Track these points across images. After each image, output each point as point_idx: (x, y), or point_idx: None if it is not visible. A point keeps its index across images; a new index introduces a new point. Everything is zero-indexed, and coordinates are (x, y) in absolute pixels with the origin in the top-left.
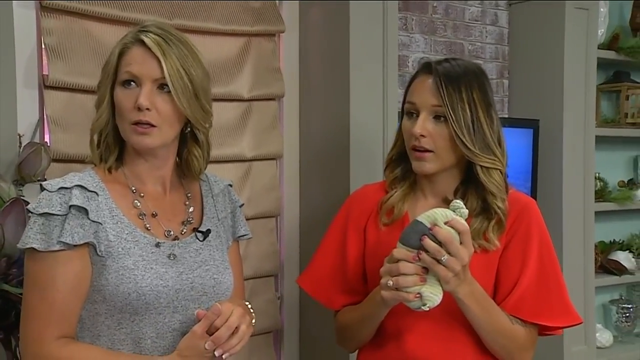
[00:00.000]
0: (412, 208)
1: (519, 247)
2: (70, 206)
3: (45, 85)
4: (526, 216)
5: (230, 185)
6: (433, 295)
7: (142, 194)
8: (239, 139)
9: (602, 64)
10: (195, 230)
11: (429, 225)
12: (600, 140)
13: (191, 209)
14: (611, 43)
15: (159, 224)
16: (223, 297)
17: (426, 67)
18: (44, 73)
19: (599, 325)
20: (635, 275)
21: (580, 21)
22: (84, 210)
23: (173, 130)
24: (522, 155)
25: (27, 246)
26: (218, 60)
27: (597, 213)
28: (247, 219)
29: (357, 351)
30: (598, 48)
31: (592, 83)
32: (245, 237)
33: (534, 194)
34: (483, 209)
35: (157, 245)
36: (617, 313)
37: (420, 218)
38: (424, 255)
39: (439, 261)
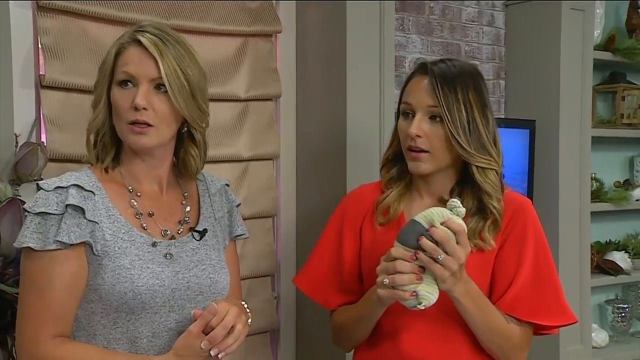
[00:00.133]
0: (408, 208)
1: (515, 247)
2: (67, 205)
3: (41, 85)
4: (522, 216)
5: (227, 185)
6: (429, 294)
7: (138, 194)
8: (235, 139)
9: (598, 65)
10: (192, 229)
11: (426, 226)
12: (596, 141)
13: (188, 209)
14: (607, 44)
15: (155, 224)
16: (219, 297)
17: (422, 68)
18: (40, 73)
19: (594, 325)
20: (630, 275)
21: (576, 22)
22: (80, 210)
23: (170, 130)
24: (519, 155)
25: (24, 245)
26: (215, 60)
27: (593, 213)
28: (243, 219)
29: (353, 351)
30: (594, 49)
31: (588, 84)
32: (242, 236)
33: (530, 194)
34: (479, 209)
35: (154, 244)
36: (613, 313)
37: (417, 218)
38: (421, 254)
39: (435, 260)
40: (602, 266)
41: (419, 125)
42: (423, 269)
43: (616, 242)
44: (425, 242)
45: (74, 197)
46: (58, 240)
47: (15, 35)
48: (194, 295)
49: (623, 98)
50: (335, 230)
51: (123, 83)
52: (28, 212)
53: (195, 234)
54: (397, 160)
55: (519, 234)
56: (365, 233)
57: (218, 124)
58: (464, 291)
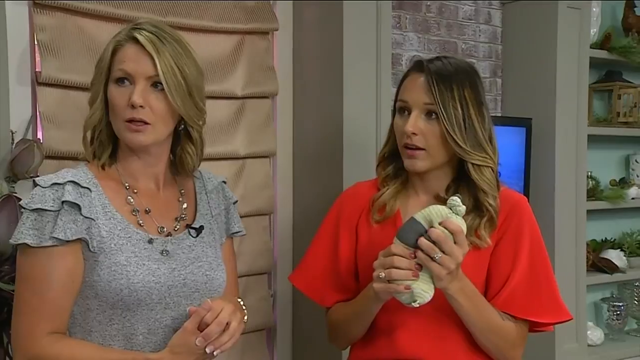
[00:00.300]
0: (404, 205)
1: (510, 244)
2: (63, 202)
3: (38, 82)
4: (517, 213)
5: (224, 182)
6: (424, 292)
7: (135, 191)
8: (232, 137)
9: (594, 64)
10: (189, 226)
11: (425, 225)
12: (593, 139)
13: (185, 206)
14: (603, 42)
15: (152, 221)
16: (215, 294)
17: (418, 65)
18: (36, 70)
19: (590, 323)
20: (626, 273)
21: (573, 21)
22: (76, 206)
23: (167, 128)
24: (515, 153)
25: (20, 242)
26: (212, 58)
27: (589, 211)
28: (240, 217)
29: (349, 348)
30: (590, 47)
31: (585, 82)
32: (239, 234)
33: (526, 192)
34: (475, 207)
35: (150, 241)
36: (608, 311)
37: (416, 216)
38: (419, 252)
39: (433, 259)
40: (597, 264)
41: (415, 123)
42: (420, 266)
43: (612, 240)
44: (423, 241)
45: (70, 194)
46: (54, 237)
47: (12, 32)
48: (190, 293)
49: (619, 96)
50: (331, 228)
51: (120, 81)
52: (24, 208)
53: (192, 231)
54: (393, 158)
55: (514, 232)
56: (361, 230)
57: (215, 122)
58: (459, 288)
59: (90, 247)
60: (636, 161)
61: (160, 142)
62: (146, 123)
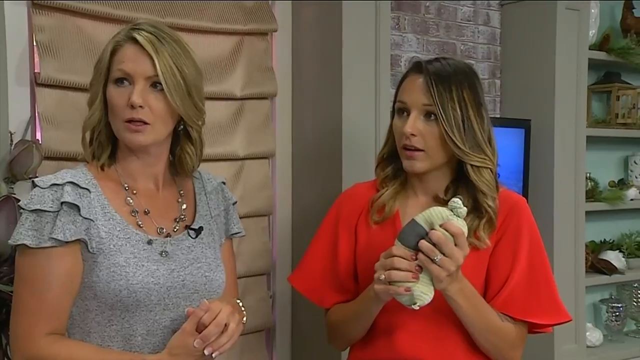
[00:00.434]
0: (403, 206)
1: (509, 245)
2: (62, 203)
3: (36, 82)
4: (516, 214)
5: (224, 183)
6: (424, 294)
7: (134, 191)
8: (231, 138)
9: (593, 65)
10: (188, 227)
11: (425, 227)
12: (591, 141)
13: (184, 206)
14: (602, 44)
15: (151, 221)
16: (215, 295)
17: (417, 66)
18: (35, 70)
19: (589, 324)
20: (625, 274)
21: (571, 22)
22: (75, 207)
23: (166, 128)
24: (514, 154)
25: (19, 242)
26: (211, 58)
27: (588, 213)
28: (239, 218)
29: (348, 349)
30: (589, 49)
31: (583, 83)
32: (238, 234)
33: (525, 193)
34: (474, 208)
35: (149, 242)
36: (607, 312)
37: (417, 218)
38: (420, 254)
39: (433, 260)
40: (596, 265)
41: (414, 124)
42: (421, 268)
43: (611, 241)
44: (423, 243)
45: (69, 195)
46: (53, 238)
47: (10, 33)
48: (189, 294)
49: (618, 98)
50: (330, 229)
51: (119, 81)
52: (23, 209)
53: (191, 232)
54: (392, 159)
55: (513, 233)
56: (360, 231)
57: (214, 123)
58: (458, 290)
59: (89, 248)
60: (635, 162)
61: (159, 143)
62: (145, 123)
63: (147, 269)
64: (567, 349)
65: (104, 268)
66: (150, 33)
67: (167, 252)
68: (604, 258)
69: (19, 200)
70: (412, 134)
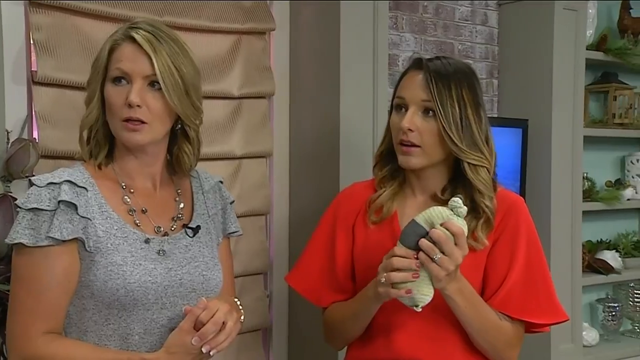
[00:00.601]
0: (401, 206)
1: (507, 245)
2: (59, 201)
3: (33, 81)
4: (514, 214)
5: (221, 182)
6: (424, 295)
7: (132, 190)
8: (229, 137)
9: (590, 65)
10: (185, 226)
11: (425, 227)
12: (588, 141)
13: (181, 205)
14: (599, 44)
15: (148, 220)
16: (212, 294)
17: (417, 63)
18: (32, 69)
19: (585, 324)
20: (621, 274)
21: (569, 22)
22: (73, 206)
23: (164, 127)
24: (511, 154)
25: (16, 241)
26: (208, 57)
27: (585, 212)
28: (236, 217)
29: (345, 348)
30: (586, 49)
31: (581, 83)
32: (235, 234)
33: (522, 193)
34: (471, 208)
35: (147, 241)
36: (604, 312)
37: (418, 219)
38: (420, 254)
39: (432, 259)
40: (593, 265)
41: (411, 119)
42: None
43: (607, 241)
44: (424, 242)
45: (66, 193)
46: (50, 237)
47: (7, 31)
48: (186, 293)
49: (615, 98)
50: (327, 228)
51: (117, 80)
52: (20, 208)
53: (189, 231)
54: (390, 158)
55: (511, 232)
56: (358, 231)
57: (211, 122)
58: (457, 289)
59: (86, 246)
60: (631, 162)
61: (157, 142)
62: (143, 122)
63: (144, 267)
64: (563, 349)
65: (101, 267)
66: (148, 32)
67: (164, 251)
68: (601, 258)
69: (15, 199)
70: (410, 129)
